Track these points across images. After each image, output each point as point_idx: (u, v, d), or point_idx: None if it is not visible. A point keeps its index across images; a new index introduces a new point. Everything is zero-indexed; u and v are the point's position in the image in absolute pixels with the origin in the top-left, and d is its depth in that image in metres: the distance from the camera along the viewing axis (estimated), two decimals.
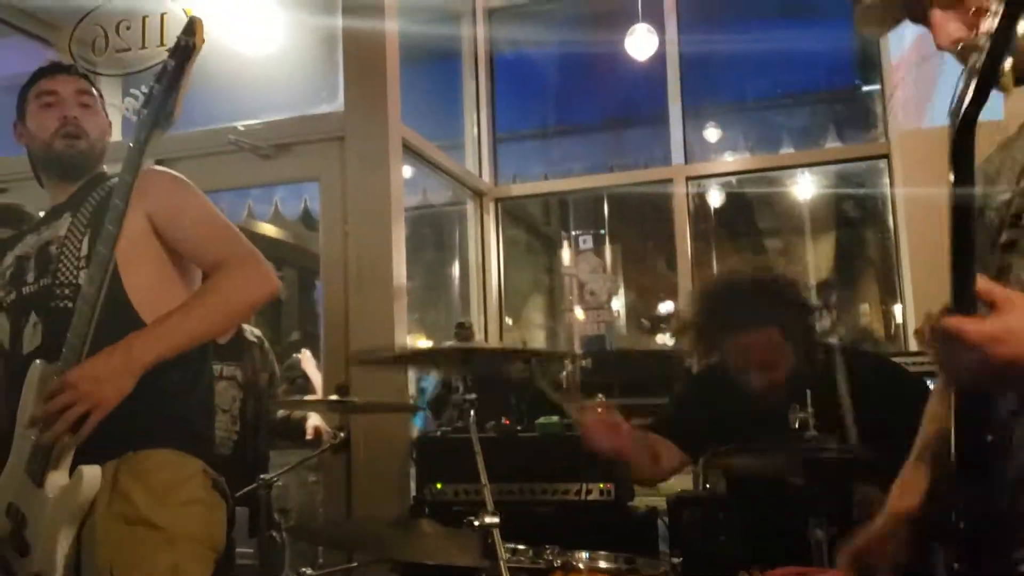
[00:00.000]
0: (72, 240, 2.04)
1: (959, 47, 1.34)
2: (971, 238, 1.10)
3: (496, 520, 1.75)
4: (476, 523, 1.75)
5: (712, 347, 2.43)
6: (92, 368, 1.80)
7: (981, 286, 1.13)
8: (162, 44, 3.95)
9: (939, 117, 4.16)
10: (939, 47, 1.42)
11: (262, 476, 3.12)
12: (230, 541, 2.13)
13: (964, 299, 1.13)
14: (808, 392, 2.07)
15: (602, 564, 1.94)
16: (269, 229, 6.48)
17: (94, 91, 2.24)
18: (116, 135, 2.64)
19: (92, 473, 1.84)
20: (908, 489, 1.57)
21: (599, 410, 2.38)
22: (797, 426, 2.19)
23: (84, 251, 2.01)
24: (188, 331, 1.91)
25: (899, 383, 2.44)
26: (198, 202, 2.11)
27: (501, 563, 1.70)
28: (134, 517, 1.86)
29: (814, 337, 2.42)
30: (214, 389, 2.28)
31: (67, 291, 1.98)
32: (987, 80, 1.05)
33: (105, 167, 2.23)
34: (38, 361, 1.94)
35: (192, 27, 1.98)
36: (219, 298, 1.95)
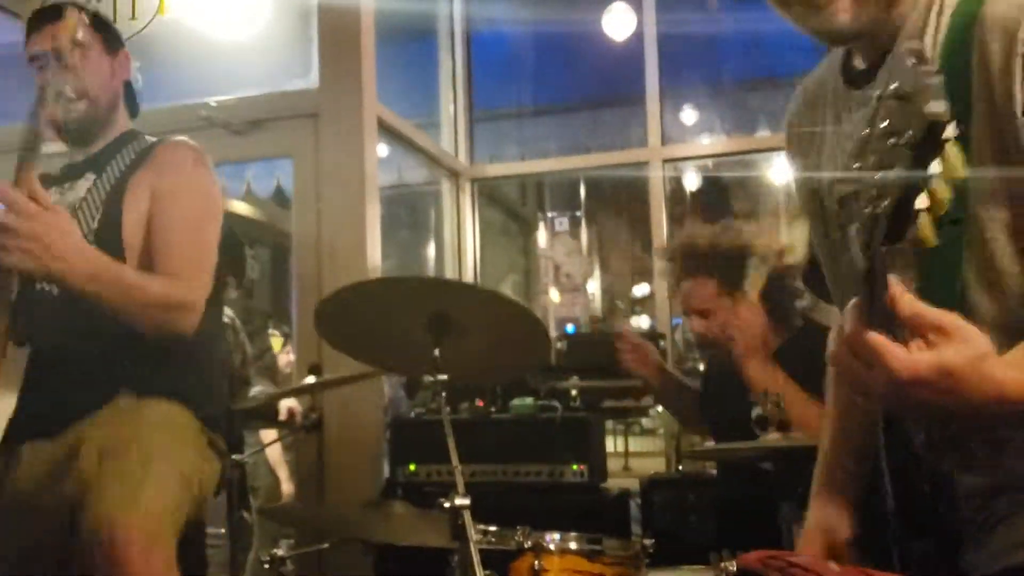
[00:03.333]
0: (85, 213, 1.96)
1: None
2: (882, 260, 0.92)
3: (467, 501, 1.74)
4: (447, 504, 1.74)
5: (676, 289, 2.79)
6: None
7: (907, 308, 0.93)
8: (133, 18, 3.89)
9: None
10: None
11: (235, 456, 3.10)
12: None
13: (875, 313, 0.94)
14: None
15: (572, 545, 1.94)
16: (241, 207, 6.42)
17: (83, 35, 1.92)
18: None
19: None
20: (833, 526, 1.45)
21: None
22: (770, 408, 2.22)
23: (95, 224, 1.94)
24: (116, 289, 1.79)
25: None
26: (194, 200, 2.00)
27: (471, 544, 1.69)
28: (118, 450, 1.83)
29: (778, 299, 2.57)
30: (222, 348, 2.26)
31: None
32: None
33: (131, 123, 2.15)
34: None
35: None
36: (157, 295, 1.84)
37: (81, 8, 1.98)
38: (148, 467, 1.81)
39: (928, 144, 0.84)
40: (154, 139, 2.13)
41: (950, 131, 0.84)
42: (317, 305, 2.09)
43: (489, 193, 5.65)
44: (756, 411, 2.38)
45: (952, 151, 0.84)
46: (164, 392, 1.94)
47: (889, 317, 0.93)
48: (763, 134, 5.20)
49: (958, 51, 1.09)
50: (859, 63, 1.29)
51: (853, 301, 0.97)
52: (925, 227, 0.87)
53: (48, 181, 2.06)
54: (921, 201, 0.85)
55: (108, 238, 1.92)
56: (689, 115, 5.48)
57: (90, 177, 2.02)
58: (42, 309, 1.92)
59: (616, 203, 6.34)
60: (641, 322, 7.07)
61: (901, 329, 0.94)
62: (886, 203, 0.87)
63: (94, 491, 1.77)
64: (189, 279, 1.89)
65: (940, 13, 1.16)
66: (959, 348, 0.92)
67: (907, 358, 0.92)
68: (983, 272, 1.11)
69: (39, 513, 1.87)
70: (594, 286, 6.57)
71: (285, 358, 5.01)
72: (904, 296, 0.94)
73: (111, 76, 2.08)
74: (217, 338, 2.08)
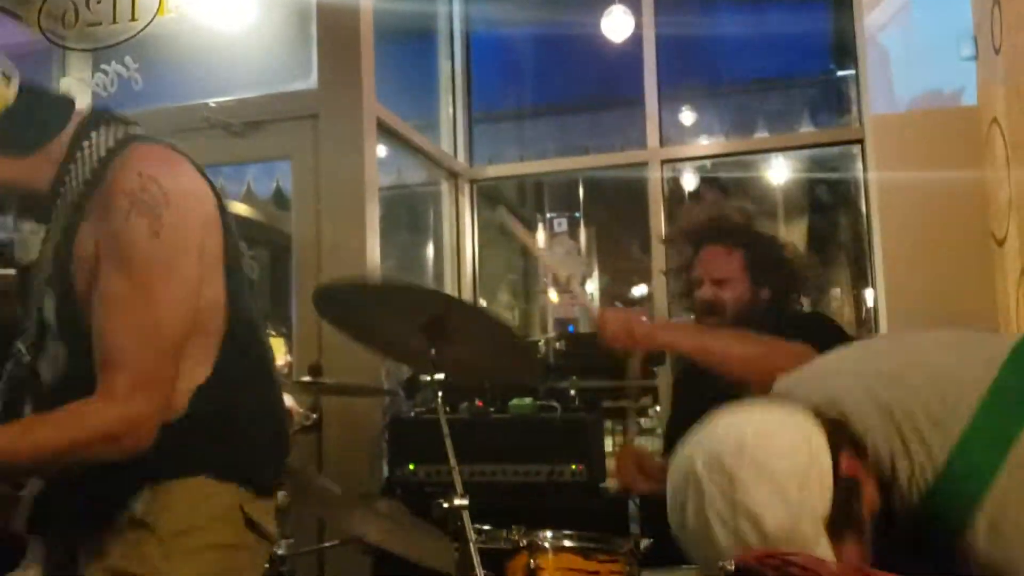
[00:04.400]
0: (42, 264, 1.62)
1: None
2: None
3: (465, 502, 1.74)
4: (445, 504, 1.75)
5: (685, 257, 2.75)
6: None
7: None
8: (133, 19, 3.89)
9: (914, 102, 4.19)
10: None
11: None
12: None
13: None
14: None
15: (567, 543, 1.95)
16: (241, 208, 6.41)
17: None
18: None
19: None
20: None
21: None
22: None
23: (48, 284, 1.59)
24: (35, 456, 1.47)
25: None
26: (140, 269, 1.50)
27: (471, 545, 1.70)
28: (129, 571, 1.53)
29: (785, 283, 2.63)
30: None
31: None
32: None
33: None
34: None
35: None
36: (76, 441, 1.46)
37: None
38: None
39: None
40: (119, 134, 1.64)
41: None
42: (319, 287, 2.03)
43: (488, 194, 5.66)
44: None
45: None
46: (199, 469, 1.58)
47: None
48: (761, 135, 5.21)
49: None
50: None
51: None
52: None
53: None
54: None
55: (65, 310, 1.56)
56: (687, 116, 5.49)
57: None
58: None
59: (615, 204, 6.35)
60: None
61: None
62: None
63: None
64: (126, 389, 1.46)
65: None
66: None
67: None
68: None
69: None
70: (592, 286, 6.57)
71: (283, 358, 5.01)
72: None
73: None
74: (266, 385, 1.73)
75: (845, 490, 1.09)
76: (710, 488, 1.08)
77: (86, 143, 1.59)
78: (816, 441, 1.09)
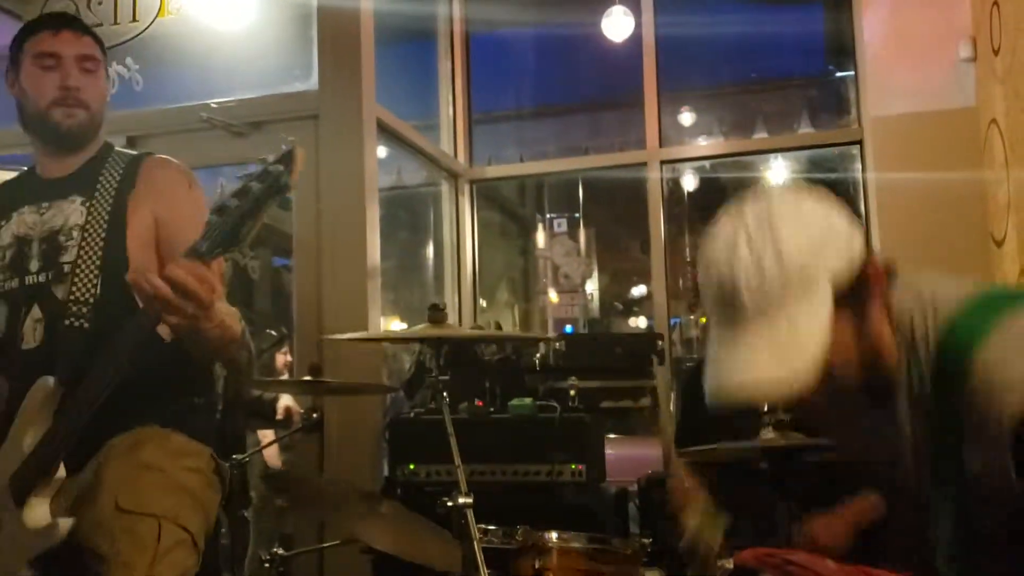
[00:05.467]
0: (90, 243, 1.91)
1: None
2: None
3: (470, 501, 1.75)
4: (449, 503, 1.75)
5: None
6: None
7: None
8: (134, 20, 3.90)
9: (914, 103, 4.19)
10: None
11: (234, 456, 3.11)
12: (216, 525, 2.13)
13: None
14: None
15: (572, 544, 1.95)
16: None
17: (99, 53, 2.05)
18: None
19: (66, 526, 1.74)
20: None
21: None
22: (766, 408, 2.23)
23: (99, 259, 1.90)
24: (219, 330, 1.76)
25: None
26: (196, 209, 1.94)
27: (475, 543, 1.71)
28: (144, 463, 1.86)
29: None
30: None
31: (84, 309, 1.87)
32: None
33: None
34: (50, 380, 1.80)
35: (289, 158, 1.69)
36: (233, 331, 1.83)
37: (93, 27, 2.08)
38: (164, 537, 1.82)
39: None
40: (131, 151, 2.11)
41: None
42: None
43: (488, 194, 5.66)
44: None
45: None
46: (184, 428, 1.96)
47: None
48: (760, 135, 5.22)
49: None
50: None
51: None
52: None
53: (18, 200, 2.02)
54: None
55: (114, 265, 1.89)
56: (687, 117, 5.50)
57: (76, 199, 1.96)
58: (69, 344, 1.86)
59: (614, 204, 6.36)
60: (639, 323, 7.09)
61: None
62: None
63: (108, 553, 1.78)
64: (227, 312, 1.80)
65: None
66: None
67: None
68: None
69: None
70: (592, 286, 6.58)
71: (282, 359, 5.02)
72: None
73: (105, 98, 2.08)
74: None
75: (863, 281, 1.18)
76: (749, 214, 1.20)
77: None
78: (857, 237, 1.20)
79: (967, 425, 1.14)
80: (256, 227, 1.61)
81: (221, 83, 4.09)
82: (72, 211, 1.95)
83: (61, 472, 1.76)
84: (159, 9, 3.79)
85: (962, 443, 1.15)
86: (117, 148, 2.10)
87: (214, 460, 1.99)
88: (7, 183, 2.14)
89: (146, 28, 3.73)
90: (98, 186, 1.96)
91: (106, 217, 1.93)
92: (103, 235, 1.91)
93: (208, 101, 3.99)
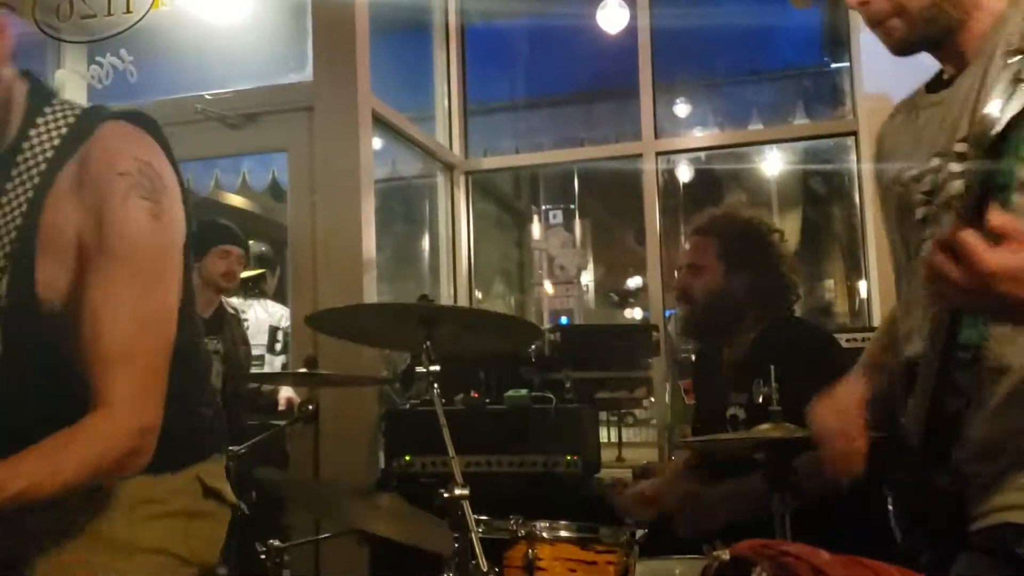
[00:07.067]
0: None
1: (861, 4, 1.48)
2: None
3: (466, 492, 1.76)
4: (446, 495, 1.76)
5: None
6: None
7: (997, 219, 1.10)
8: (128, 11, 3.89)
9: (908, 94, 4.18)
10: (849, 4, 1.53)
11: (231, 448, 3.11)
12: (227, 554, 1.85)
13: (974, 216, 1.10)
14: (772, 368, 2.11)
15: (565, 533, 1.96)
16: (237, 200, 6.43)
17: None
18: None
19: None
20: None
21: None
22: (761, 400, 2.24)
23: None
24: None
25: (797, 348, 2.47)
26: (144, 265, 1.37)
27: (472, 535, 1.71)
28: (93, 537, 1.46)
29: (765, 262, 2.63)
30: (207, 373, 1.77)
31: None
32: None
33: None
34: None
35: None
36: (92, 462, 1.31)
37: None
38: None
39: None
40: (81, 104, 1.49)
41: None
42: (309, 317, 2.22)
43: (483, 186, 5.66)
44: (731, 410, 2.43)
45: None
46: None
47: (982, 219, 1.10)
48: (756, 127, 5.22)
49: None
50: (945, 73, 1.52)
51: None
52: None
53: None
54: None
55: (19, 285, 1.37)
56: (682, 108, 5.50)
57: None
58: None
59: (610, 196, 6.35)
60: (635, 314, 7.10)
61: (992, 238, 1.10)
62: None
63: None
64: (137, 392, 1.34)
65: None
66: None
67: (995, 251, 1.08)
68: None
69: None
70: (588, 278, 6.58)
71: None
72: (996, 210, 1.11)
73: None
74: (194, 363, 1.61)
75: None
76: None
77: (48, 108, 1.43)
78: None
79: None
80: None
81: (216, 75, 4.08)
82: None
83: None
84: (153, 0, 3.77)
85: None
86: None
87: (200, 483, 1.57)
88: None
89: (140, 19, 3.71)
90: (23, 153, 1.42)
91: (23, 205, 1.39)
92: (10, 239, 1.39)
93: (203, 93, 3.98)
